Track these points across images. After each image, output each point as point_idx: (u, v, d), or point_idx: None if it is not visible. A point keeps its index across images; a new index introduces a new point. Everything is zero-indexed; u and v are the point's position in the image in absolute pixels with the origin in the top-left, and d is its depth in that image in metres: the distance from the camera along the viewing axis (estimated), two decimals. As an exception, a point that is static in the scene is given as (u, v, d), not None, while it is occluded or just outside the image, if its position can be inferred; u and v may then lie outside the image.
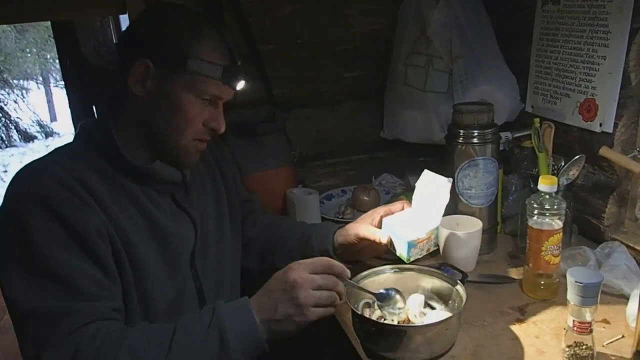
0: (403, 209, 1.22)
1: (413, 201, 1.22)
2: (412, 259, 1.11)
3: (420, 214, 1.17)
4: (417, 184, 1.20)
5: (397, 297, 1.08)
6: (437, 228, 1.13)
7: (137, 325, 0.97)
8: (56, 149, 1.09)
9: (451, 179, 1.16)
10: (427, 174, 1.20)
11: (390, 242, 1.14)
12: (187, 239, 1.14)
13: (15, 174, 1.00)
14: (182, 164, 1.12)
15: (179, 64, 1.01)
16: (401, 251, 1.11)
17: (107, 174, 1.03)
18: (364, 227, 1.23)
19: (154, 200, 1.09)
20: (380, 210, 1.25)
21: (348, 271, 1.03)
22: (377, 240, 1.16)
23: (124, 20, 3.04)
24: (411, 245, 1.09)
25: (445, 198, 1.15)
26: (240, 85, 1.09)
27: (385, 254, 1.19)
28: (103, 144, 1.05)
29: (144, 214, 1.06)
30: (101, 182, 1.01)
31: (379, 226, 1.22)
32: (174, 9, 1.12)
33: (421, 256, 1.12)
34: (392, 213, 1.21)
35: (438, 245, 1.14)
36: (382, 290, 1.09)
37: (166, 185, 1.12)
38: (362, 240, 1.22)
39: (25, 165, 1.02)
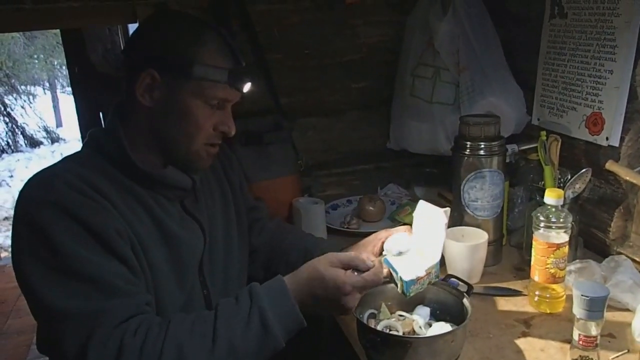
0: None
1: (413, 232, 1.19)
2: (412, 294, 1.09)
3: (420, 248, 1.15)
4: (414, 215, 1.18)
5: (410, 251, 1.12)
6: (437, 263, 1.11)
7: (175, 316, 0.97)
8: (66, 158, 1.09)
9: (448, 210, 1.11)
10: (422, 205, 1.15)
11: (391, 276, 1.13)
12: (196, 246, 1.14)
13: (27, 182, 1.00)
14: (196, 168, 1.13)
15: (184, 71, 1.02)
16: (400, 288, 1.09)
17: (117, 180, 1.04)
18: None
19: (164, 207, 1.09)
20: (382, 235, 1.22)
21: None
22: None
23: (133, 29, 3.07)
24: (410, 283, 1.07)
25: (443, 232, 1.10)
26: (247, 87, 1.09)
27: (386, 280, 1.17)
28: (112, 152, 1.05)
29: (154, 220, 1.06)
30: (112, 188, 1.02)
31: (381, 252, 1.19)
32: (173, 16, 1.12)
33: (422, 290, 1.11)
34: (394, 237, 1.20)
35: (439, 276, 1.12)
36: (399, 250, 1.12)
37: (176, 192, 1.13)
38: None
39: (36, 174, 1.02)
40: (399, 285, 1.09)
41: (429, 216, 1.13)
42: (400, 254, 1.12)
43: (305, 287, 1.00)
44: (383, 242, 1.21)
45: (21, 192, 0.99)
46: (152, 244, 1.04)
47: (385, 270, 1.13)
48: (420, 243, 1.14)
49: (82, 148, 1.12)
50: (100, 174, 1.02)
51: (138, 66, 1.03)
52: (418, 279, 1.07)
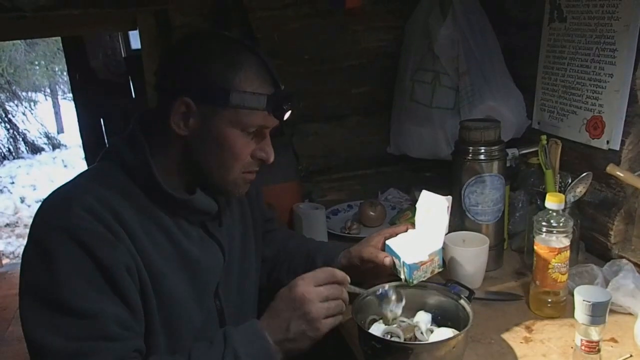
0: (407, 231, 1.21)
1: (416, 222, 1.21)
2: (415, 282, 1.10)
3: (423, 236, 1.15)
4: (417, 205, 1.19)
5: (393, 295, 1.11)
6: (440, 250, 1.12)
7: (151, 359, 0.95)
8: (86, 172, 1.06)
9: (450, 197, 1.12)
10: (425, 195, 1.17)
11: (394, 265, 1.13)
12: (215, 268, 1.11)
13: (46, 200, 0.97)
14: (231, 195, 1.10)
15: (221, 98, 0.96)
16: (404, 274, 1.10)
17: (139, 202, 1.00)
18: (368, 250, 1.21)
19: (184, 230, 1.05)
20: (385, 232, 1.23)
21: (348, 277, 1.04)
22: (380, 262, 1.15)
23: (133, 35, 3.09)
24: (413, 268, 1.08)
25: (445, 218, 1.12)
26: (286, 114, 1.04)
27: (389, 276, 1.18)
28: (138, 172, 1.00)
29: (173, 244, 1.03)
30: (133, 211, 0.98)
31: (383, 248, 1.21)
32: (207, 38, 1.03)
33: (425, 278, 1.11)
34: (397, 235, 1.21)
35: (443, 267, 1.12)
36: (380, 291, 1.11)
37: (200, 216, 1.09)
38: (366, 262, 1.21)
39: (56, 191, 0.99)
40: (401, 272, 1.10)
41: (432, 205, 1.15)
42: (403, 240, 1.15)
43: (276, 317, 0.98)
44: (386, 239, 1.22)
45: (38, 210, 0.96)
46: (170, 270, 1.01)
47: (388, 259, 1.14)
48: (423, 231, 1.15)
49: (101, 160, 1.06)
50: (122, 195, 0.98)
51: (172, 94, 0.98)
52: (421, 263, 1.07)
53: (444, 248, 1.32)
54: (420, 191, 1.93)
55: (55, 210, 0.94)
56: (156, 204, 1.02)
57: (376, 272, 1.18)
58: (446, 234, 1.19)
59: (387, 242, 1.16)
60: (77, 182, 1.02)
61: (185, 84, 0.98)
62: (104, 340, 0.89)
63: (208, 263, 1.09)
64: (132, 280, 0.94)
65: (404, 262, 1.08)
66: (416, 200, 1.87)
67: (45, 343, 0.87)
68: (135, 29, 1.77)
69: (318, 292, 0.98)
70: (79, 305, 0.89)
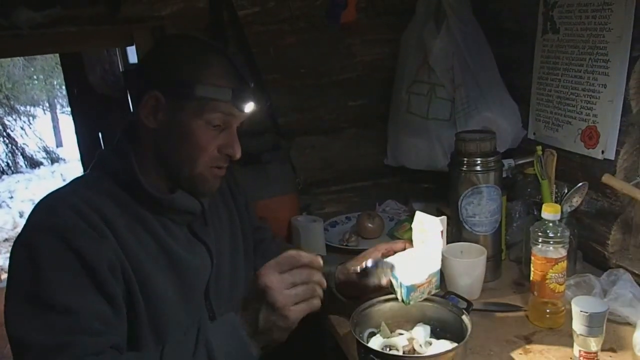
0: (405, 248, 1.20)
1: (413, 242, 1.20)
2: (412, 302, 1.09)
3: (421, 256, 1.15)
4: (412, 226, 1.19)
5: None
6: (438, 271, 1.11)
7: (124, 355, 0.95)
8: (75, 179, 1.09)
9: (444, 218, 1.12)
10: (419, 216, 1.17)
11: (391, 284, 1.13)
12: (203, 271, 1.13)
13: (36, 205, 1.00)
14: (201, 192, 1.11)
15: (188, 91, 1.02)
16: (400, 295, 1.10)
17: (124, 204, 1.03)
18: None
19: (171, 231, 1.08)
20: (382, 247, 1.23)
21: (319, 258, 0.96)
22: (377, 281, 1.15)
23: (131, 50, 3.10)
24: (411, 289, 1.07)
25: (440, 240, 1.12)
26: (250, 107, 1.08)
27: (387, 291, 1.17)
28: (121, 174, 1.05)
29: (160, 245, 1.05)
30: (118, 212, 1.01)
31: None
32: (179, 38, 1.14)
33: (422, 299, 1.11)
34: (394, 252, 1.20)
35: (439, 287, 1.12)
36: (369, 263, 1.14)
37: (185, 216, 1.11)
38: (363, 279, 1.20)
39: (45, 196, 1.02)
40: (398, 293, 1.10)
41: (426, 226, 1.15)
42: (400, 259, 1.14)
43: (247, 310, 0.94)
44: (382, 254, 1.21)
45: (29, 215, 0.99)
46: (157, 271, 1.03)
47: (385, 280, 1.14)
48: (420, 251, 1.15)
49: (90, 170, 1.11)
50: (108, 198, 1.01)
51: (143, 88, 1.04)
52: (418, 285, 1.07)
53: (442, 260, 1.33)
54: (418, 203, 1.95)
55: (42, 212, 0.99)
56: (141, 205, 1.05)
57: (373, 289, 1.17)
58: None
59: (385, 261, 1.16)
60: (64, 187, 1.06)
61: (154, 79, 1.04)
62: (82, 335, 0.90)
63: (195, 264, 1.10)
64: (116, 279, 0.96)
65: (401, 283, 1.08)
66: (414, 212, 1.88)
67: (27, 340, 0.89)
68: (132, 45, 1.78)
69: (281, 279, 0.92)
70: (61, 301, 0.91)
